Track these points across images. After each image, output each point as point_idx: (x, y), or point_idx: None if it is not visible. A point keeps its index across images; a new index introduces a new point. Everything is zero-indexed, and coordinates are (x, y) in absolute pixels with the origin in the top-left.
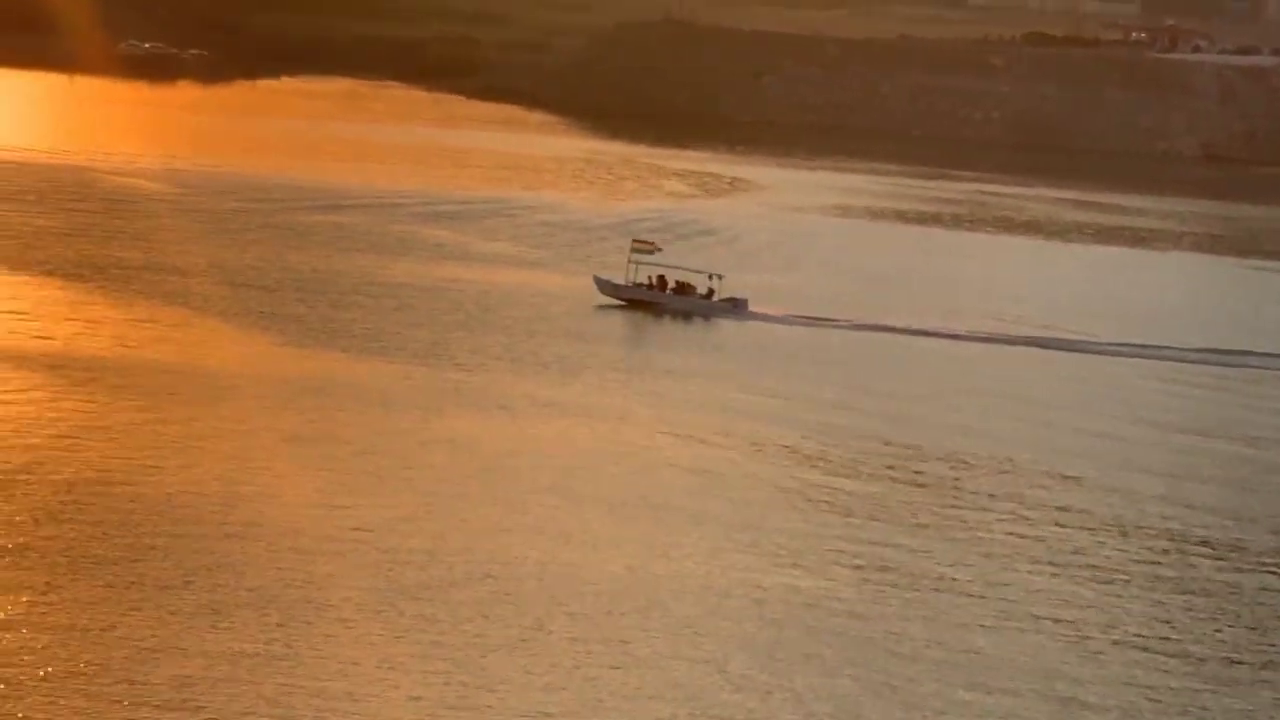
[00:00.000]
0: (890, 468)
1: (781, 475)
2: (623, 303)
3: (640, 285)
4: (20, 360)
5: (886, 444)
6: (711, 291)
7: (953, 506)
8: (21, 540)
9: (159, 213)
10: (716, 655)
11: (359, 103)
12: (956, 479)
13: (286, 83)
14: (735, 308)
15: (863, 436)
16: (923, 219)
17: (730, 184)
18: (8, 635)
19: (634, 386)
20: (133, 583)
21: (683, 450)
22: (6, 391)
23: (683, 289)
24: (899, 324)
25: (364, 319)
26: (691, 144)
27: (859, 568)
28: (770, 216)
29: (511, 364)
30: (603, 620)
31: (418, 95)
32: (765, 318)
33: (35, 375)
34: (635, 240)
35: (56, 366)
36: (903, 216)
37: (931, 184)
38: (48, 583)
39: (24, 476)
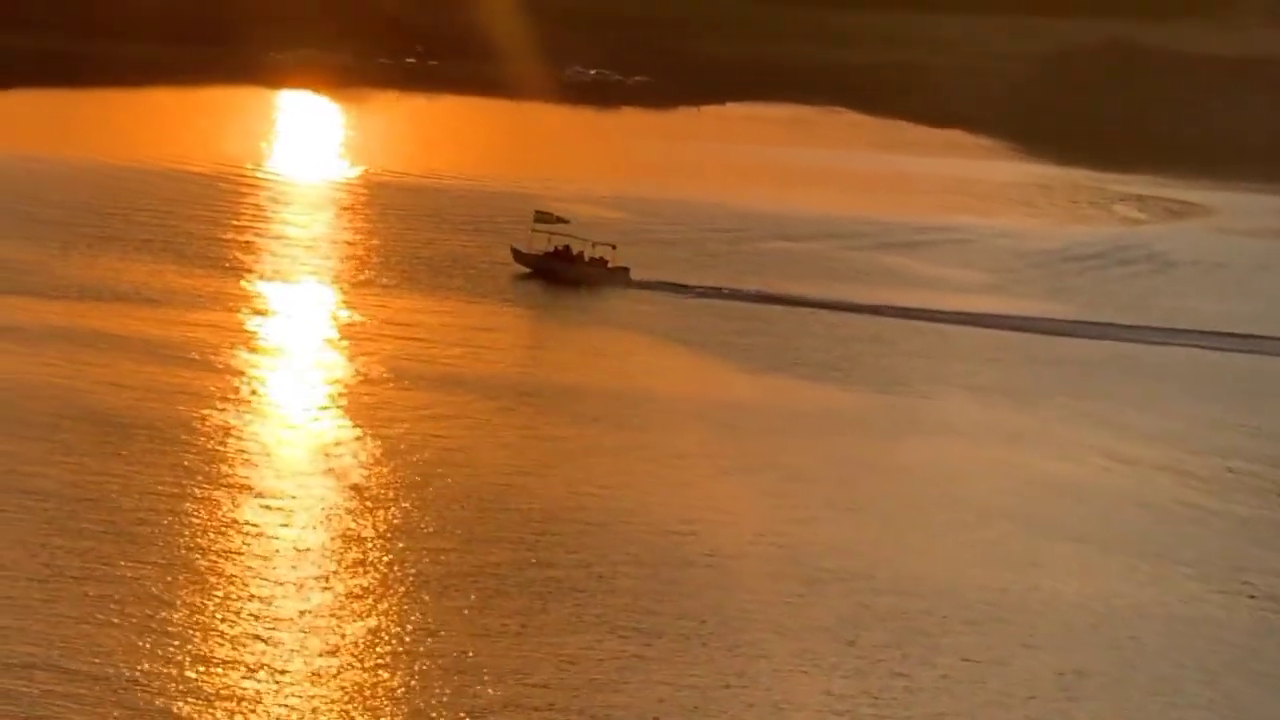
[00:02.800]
0: None
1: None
2: (529, 270)
3: (546, 254)
4: (477, 388)
5: None
6: (604, 260)
7: None
8: (489, 569)
9: (608, 240)
10: (1174, 684)
11: (805, 127)
12: None
13: (731, 108)
14: (617, 275)
15: None
16: None
17: (1178, 208)
18: (485, 667)
19: (1089, 415)
20: (591, 612)
21: (1137, 480)
22: (468, 420)
23: (580, 258)
24: None
25: (816, 346)
26: (1137, 168)
27: None
28: (1219, 241)
29: (971, 391)
30: (1059, 652)
31: (863, 120)
32: (644, 284)
33: (496, 403)
34: (538, 211)
35: (517, 393)
36: None
37: None
38: (518, 613)
39: (489, 506)
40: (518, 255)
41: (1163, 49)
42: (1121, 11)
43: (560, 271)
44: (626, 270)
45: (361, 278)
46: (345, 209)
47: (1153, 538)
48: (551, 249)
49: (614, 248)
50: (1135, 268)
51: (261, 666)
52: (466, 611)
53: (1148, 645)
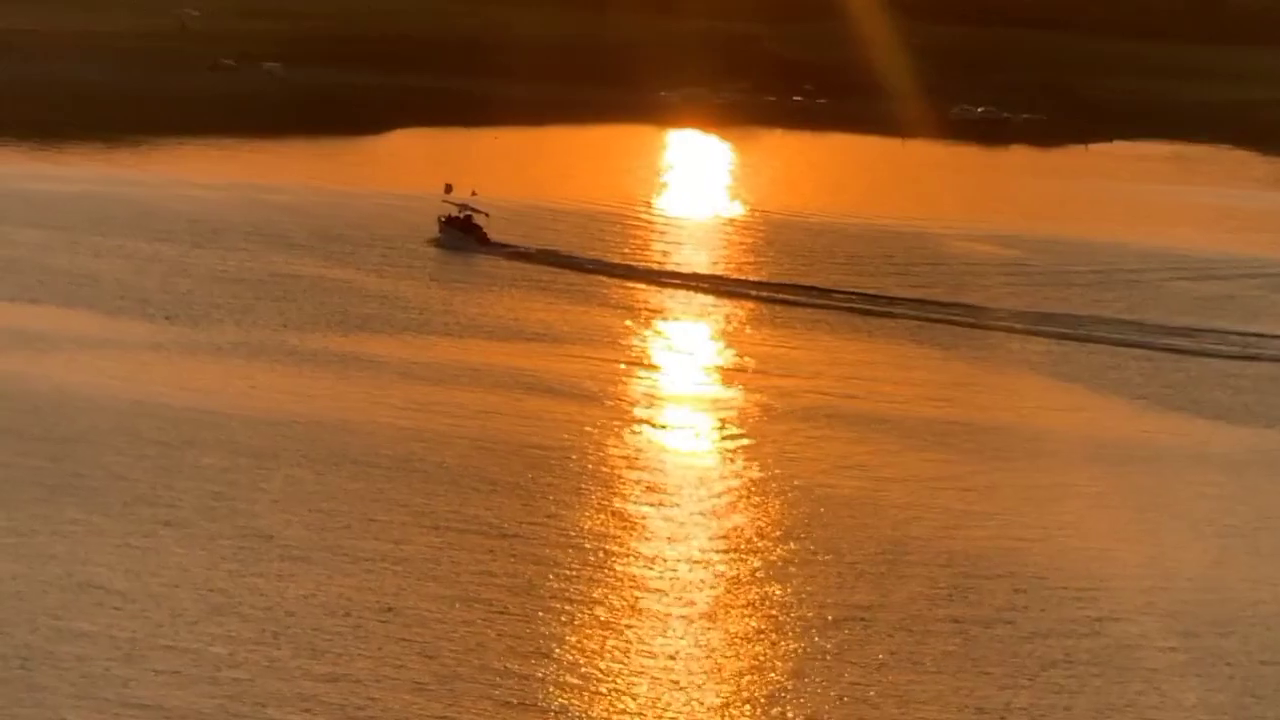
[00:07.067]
0: None
1: None
2: (440, 234)
3: (444, 220)
4: (867, 423)
5: None
6: (478, 225)
7: None
8: (890, 610)
9: (1001, 281)
10: None
11: (1193, 165)
12: None
13: (1118, 146)
14: (475, 237)
15: None
16: None
17: None
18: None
19: None
20: (999, 659)
21: None
22: (860, 455)
23: (469, 224)
24: None
25: (1224, 387)
26: None
27: None
28: None
29: None
30: None
31: (1251, 157)
32: (503, 247)
33: (890, 439)
34: (446, 184)
35: (914, 430)
36: None
37: None
38: (927, 655)
39: (889, 544)
40: (439, 222)
41: None
42: None
43: (451, 238)
44: (486, 236)
45: (750, 315)
46: (735, 246)
47: None
48: (445, 217)
49: (488, 216)
50: None
51: (658, 702)
52: (867, 650)
53: None
